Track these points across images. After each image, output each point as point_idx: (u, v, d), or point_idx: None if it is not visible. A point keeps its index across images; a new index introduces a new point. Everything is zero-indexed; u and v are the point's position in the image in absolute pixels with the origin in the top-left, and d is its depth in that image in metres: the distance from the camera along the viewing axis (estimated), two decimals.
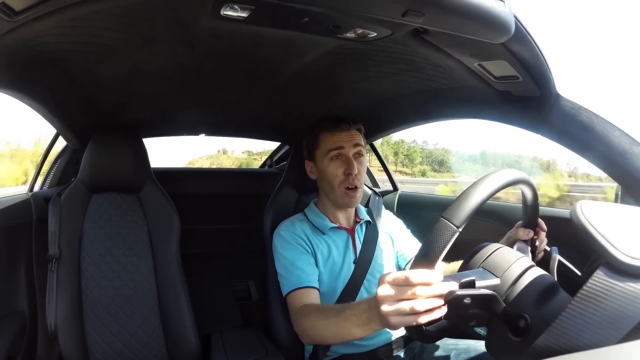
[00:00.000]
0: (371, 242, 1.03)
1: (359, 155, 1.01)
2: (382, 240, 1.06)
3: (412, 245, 1.10)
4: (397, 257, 1.09)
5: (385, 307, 0.53)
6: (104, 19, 0.68)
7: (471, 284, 0.52)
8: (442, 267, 0.95)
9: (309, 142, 1.06)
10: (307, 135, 1.07)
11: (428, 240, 0.53)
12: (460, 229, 0.51)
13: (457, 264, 0.86)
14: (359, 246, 1.02)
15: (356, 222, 1.07)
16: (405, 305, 0.50)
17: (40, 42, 0.73)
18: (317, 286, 0.93)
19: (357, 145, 1.00)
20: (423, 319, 0.50)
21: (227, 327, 1.29)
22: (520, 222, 0.74)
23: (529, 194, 0.65)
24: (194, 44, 0.81)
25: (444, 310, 0.51)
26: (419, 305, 0.50)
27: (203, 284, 1.48)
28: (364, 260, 1.00)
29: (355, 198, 1.00)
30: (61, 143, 1.36)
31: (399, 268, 1.08)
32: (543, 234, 0.72)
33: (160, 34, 0.77)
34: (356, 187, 0.99)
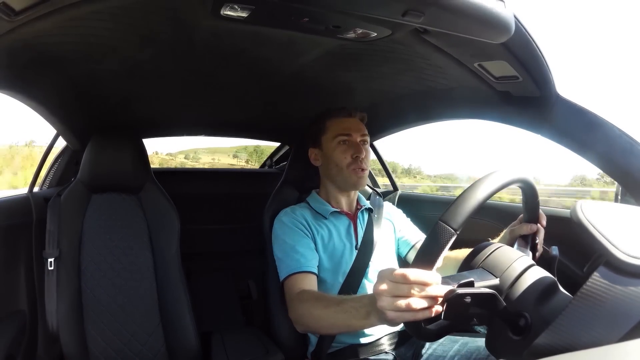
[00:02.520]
0: (373, 229, 1.04)
1: (364, 142, 1.04)
2: (384, 227, 1.07)
3: (413, 231, 1.11)
4: (398, 244, 1.10)
5: (382, 302, 0.53)
6: (104, 18, 0.68)
7: (470, 285, 0.52)
8: (447, 254, 0.95)
9: (315, 129, 1.08)
10: (312, 123, 1.09)
11: (426, 243, 0.53)
12: (458, 232, 0.51)
13: (461, 252, 0.86)
14: (360, 232, 1.03)
15: (357, 209, 1.08)
16: (401, 302, 0.51)
17: (40, 42, 0.73)
18: (316, 272, 0.93)
19: (363, 133, 1.04)
20: (420, 316, 0.51)
21: (229, 325, 1.29)
22: (522, 215, 0.74)
23: (528, 191, 0.65)
24: (194, 44, 0.81)
25: (439, 309, 0.51)
26: (415, 302, 0.50)
27: (206, 283, 1.48)
28: (366, 246, 1.00)
29: (362, 178, 1.02)
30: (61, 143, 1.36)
31: (401, 254, 1.09)
32: (542, 230, 0.73)
33: (160, 33, 0.77)
34: (363, 169, 1.01)
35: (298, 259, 0.92)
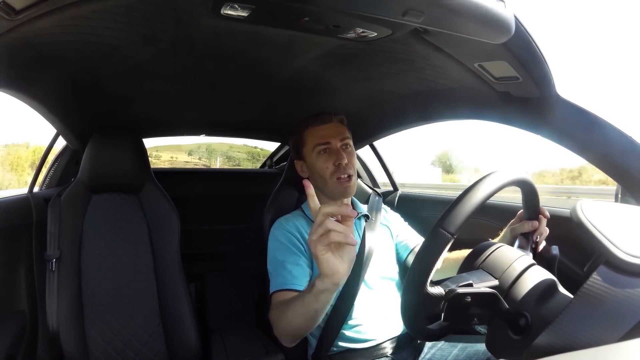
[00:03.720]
0: (369, 235, 1.03)
1: (346, 146, 1.01)
2: (381, 233, 1.06)
3: (412, 235, 1.11)
4: (397, 248, 1.09)
5: (315, 251, 0.59)
6: (104, 17, 0.68)
7: (469, 287, 0.52)
8: (447, 256, 0.95)
9: (295, 142, 1.06)
10: (293, 136, 1.07)
11: (423, 249, 0.54)
12: (455, 236, 0.52)
13: (461, 253, 0.86)
14: (358, 240, 1.02)
15: None
16: (320, 229, 0.58)
17: (40, 41, 0.73)
18: (302, 290, 0.90)
19: (343, 137, 1.01)
20: (349, 240, 0.58)
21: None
22: (521, 212, 0.75)
23: (527, 189, 0.65)
24: (194, 43, 0.81)
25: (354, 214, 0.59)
26: (331, 225, 0.58)
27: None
28: (363, 253, 0.99)
29: (350, 187, 0.99)
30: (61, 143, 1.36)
31: (400, 259, 1.09)
32: (544, 224, 0.72)
33: (160, 33, 0.77)
34: (349, 176, 0.99)
35: (285, 275, 0.91)
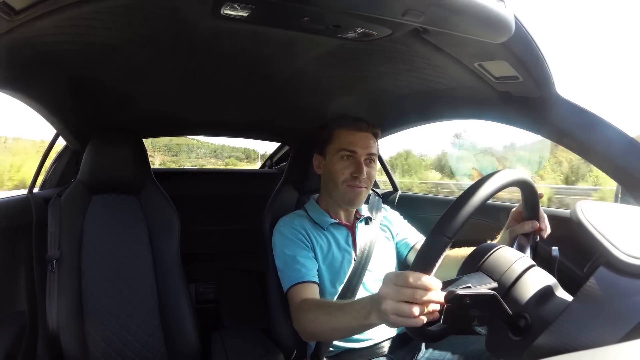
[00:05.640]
0: (371, 238, 1.03)
1: (370, 161, 1.00)
2: (381, 235, 1.07)
3: (412, 232, 1.11)
4: (397, 248, 1.09)
5: (385, 305, 0.54)
6: (104, 18, 0.68)
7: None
8: (447, 253, 0.95)
9: (322, 135, 1.04)
10: (322, 128, 1.05)
11: (422, 252, 0.54)
12: (452, 240, 0.52)
13: (461, 251, 0.86)
14: (359, 242, 1.02)
15: (356, 219, 1.07)
16: (404, 307, 0.52)
17: (40, 42, 0.73)
18: (317, 281, 0.93)
19: (370, 151, 0.99)
20: (420, 322, 0.52)
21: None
22: (514, 210, 0.75)
23: (526, 189, 0.65)
24: (194, 43, 0.81)
25: (437, 315, 0.52)
26: (417, 309, 0.51)
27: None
28: (364, 256, 1.00)
29: (360, 195, 0.99)
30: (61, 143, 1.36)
31: (401, 257, 1.09)
32: (544, 223, 0.72)
33: (160, 33, 0.77)
34: (361, 187, 0.98)
35: (299, 269, 0.92)
